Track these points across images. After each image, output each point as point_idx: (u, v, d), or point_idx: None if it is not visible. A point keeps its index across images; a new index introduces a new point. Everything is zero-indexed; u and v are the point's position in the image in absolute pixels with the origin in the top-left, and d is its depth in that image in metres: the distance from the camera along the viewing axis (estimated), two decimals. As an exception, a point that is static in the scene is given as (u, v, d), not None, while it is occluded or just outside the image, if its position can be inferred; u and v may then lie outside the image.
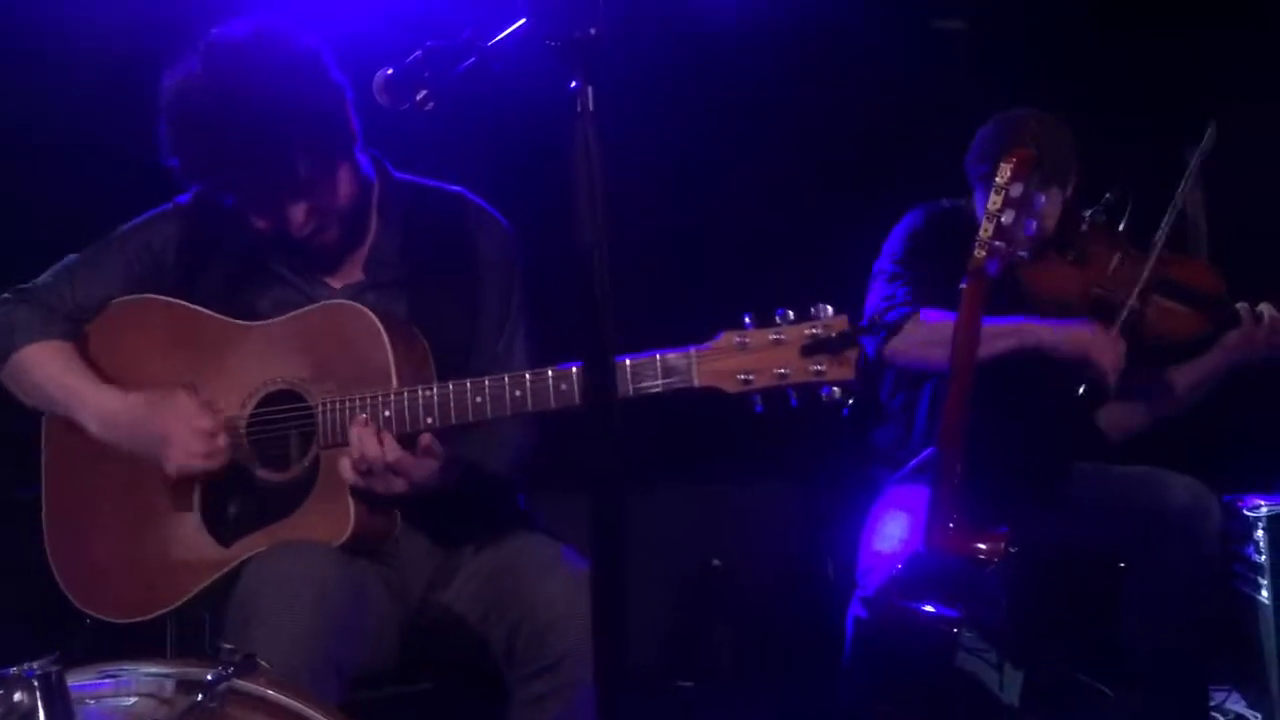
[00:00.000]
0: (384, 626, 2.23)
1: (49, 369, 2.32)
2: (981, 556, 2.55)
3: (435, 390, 2.10)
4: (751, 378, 1.89)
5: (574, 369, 2.01)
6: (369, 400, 2.13)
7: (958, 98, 3.22)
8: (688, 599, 4.15)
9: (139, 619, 2.29)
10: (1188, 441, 3.36)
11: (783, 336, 1.89)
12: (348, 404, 2.14)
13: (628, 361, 1.95)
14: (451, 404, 2.08)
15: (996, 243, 2.60)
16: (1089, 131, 3.08)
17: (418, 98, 1.79)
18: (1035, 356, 2.91)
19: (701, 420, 4.01)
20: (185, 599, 2.24)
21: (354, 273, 2.35)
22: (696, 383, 1.93)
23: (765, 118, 4.11)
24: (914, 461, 2.99)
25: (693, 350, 1.94)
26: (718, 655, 4.01)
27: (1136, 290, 2.92)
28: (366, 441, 2.10)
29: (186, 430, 2.21)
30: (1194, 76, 3.89)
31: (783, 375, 1.88)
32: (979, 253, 2.60)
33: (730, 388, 1.91)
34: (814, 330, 1.87)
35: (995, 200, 2.60)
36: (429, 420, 2.09)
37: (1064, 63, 4.09)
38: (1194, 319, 3.02)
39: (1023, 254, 2.63)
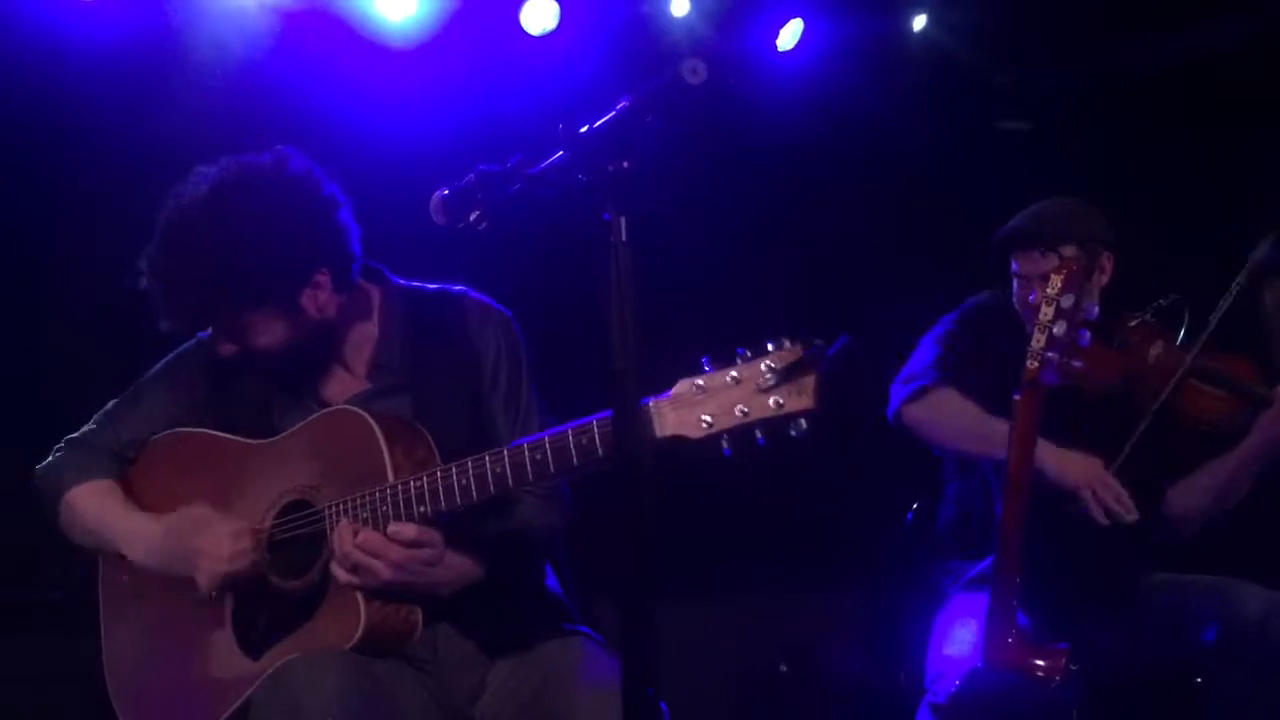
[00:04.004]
0: None
1: (95, 507, 2.45)
2: (1041, 674, 2.48)
3: (425, 479, 2.13)
4: (712, 420, 1.81)
5: (545, 438, 2.01)
6: (368, 498, 2.17)
7: (1018, 198, 3.21)
8: (754, 706, 4.10)
9: None
10: (1267, 548, 3.26)
11: (740, 374, 1.80)
12: (349, 504, 2.20)
13: (594, 423, 1.94)
14: (440, 489, 2.12)
15: (1049, 354, 2.58)
16: (1147, 236, 3.06)
17: (471, 218, 1.86)
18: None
19: (770, 521, 4.01)
20: (223, 717, 2.27)
21: (359, 384, 2.42)
22: (659, 434, 1.85)
23: (815, 205, 4.20)
24: (981, 564, 2.93)
25: (650, 401, 1.85)
26: (784, 764, 3.96)
27: (1173, 381, 2.93)
28: (340, 535, 2.15)
29: (213, 537, 2.29)
30: (1259, 185, 3.86)
31: (744, 414, 1.79)
32: (1031, 364, 2.59)
33: (694, 434, 1.83)
34: (770, 363, 1.78)
35: (1047, 312, 2.58)
36: (421, 509, 2.13)
37: (1124, 167, 4.08)
38: (1227, 401, 2.99)
39: (1077, 364, 2.60)
